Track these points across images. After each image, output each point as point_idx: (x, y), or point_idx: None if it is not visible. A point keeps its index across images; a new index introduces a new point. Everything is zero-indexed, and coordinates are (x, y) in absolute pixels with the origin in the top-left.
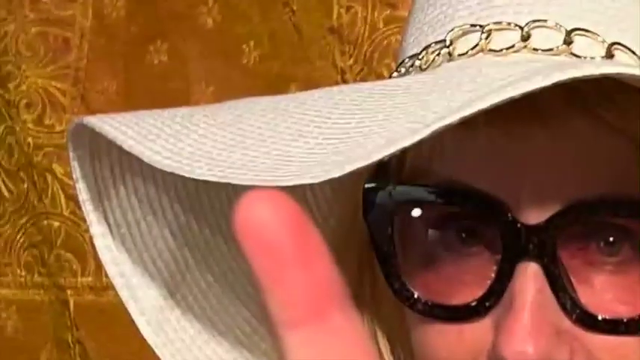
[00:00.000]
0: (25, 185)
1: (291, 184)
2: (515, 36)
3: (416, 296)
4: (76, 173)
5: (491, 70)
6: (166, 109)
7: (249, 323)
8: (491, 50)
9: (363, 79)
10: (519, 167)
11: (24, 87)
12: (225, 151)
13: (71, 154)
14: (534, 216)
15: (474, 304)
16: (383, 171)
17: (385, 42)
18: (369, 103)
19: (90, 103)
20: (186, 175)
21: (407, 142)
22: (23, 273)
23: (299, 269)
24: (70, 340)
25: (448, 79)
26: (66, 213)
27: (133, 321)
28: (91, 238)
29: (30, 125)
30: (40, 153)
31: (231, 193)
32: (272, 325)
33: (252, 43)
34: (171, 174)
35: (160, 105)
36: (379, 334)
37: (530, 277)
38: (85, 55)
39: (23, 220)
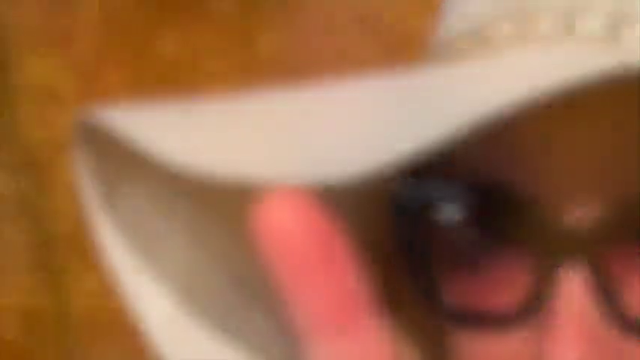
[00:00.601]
0: (27, 183)
1: (313, 182)
2: (556, 24)
3: (449, 303)
4: (81, 170)
5: (528, 62)
6: (177, 103)
7: (265, 329)
8: (529, 39)
9: (389, 71)
10: (562, 165)
11: (25, 80)
12: (242, 147)
13: (76, 150)
14: (580, 216)
15: (515, 311)
16: (410, 168)
17: (413, 30)
18: (396, 96)
19: (95, 97)
20: (201, 173)
21: (436, 140)
22: (24, 276)
23: (323, 278)
24: (72, 346)
25: (481, 71)
26: (69, 212)
27: (139, 327)
28: (96, 239)
29: (32, 120)
30: (43, 149)
31: (246, 190)
32: (295, 333)
33: (268, 33)
34: (183, 171)
35: (170, 98)
36: (408, 339)
37: (576, 281)
38: (90, 46)
39: (24, 220)
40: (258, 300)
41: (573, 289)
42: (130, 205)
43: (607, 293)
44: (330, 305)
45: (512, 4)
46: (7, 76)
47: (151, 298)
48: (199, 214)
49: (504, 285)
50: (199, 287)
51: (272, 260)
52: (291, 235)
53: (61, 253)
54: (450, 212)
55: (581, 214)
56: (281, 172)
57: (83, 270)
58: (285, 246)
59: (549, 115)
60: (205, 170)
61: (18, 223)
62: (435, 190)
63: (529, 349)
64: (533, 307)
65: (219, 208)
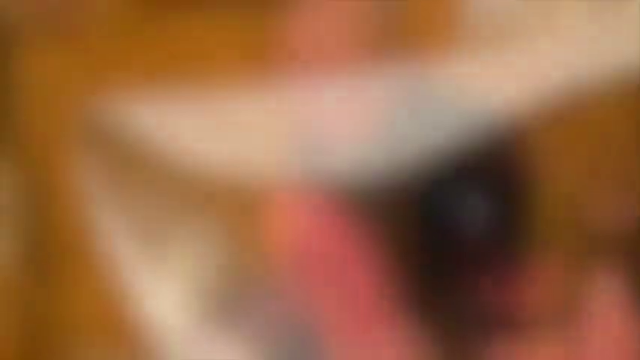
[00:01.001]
0: (28, 182)
1: (322, 182)
2: (584, 14)
3: (482, 305)
4: (86, 168)
5: (550, 56)
6: (185, 102)
7: (260, 326)
8: (556, 29)
9: (399, 64)
10: (595, 165)
11: (29, 78)
12: (251, 147)
13: (83, 148)
14: (614, 217)
15: (548, 312)
16: (442, 170)
17: (422, 25)
18: (409, 96)
19: (105, 90)
20: (206, 172)
21: (454, 140)
22: (24, 275)
23: (342, 279)
24: (72, 347)
25: (504, 68)
26: (74, 214)
27: (139, 327)
28: (101, 240)
29: (37, 116)
30: (48, 147)
31: (250, 192)
32: (322, 334)
33: (274, 27)
34: (194, 171)
35: (182, 88)
36: (431, 340)
37: (611, 281)
38: (96, 42)
39: (24, 219)
40: (256, 299)
41: (608, 290)
42: (140, 204)
43: None
44: (350, 305)
45: None
46: (10, 74)
47: (160, 304)
48: (214, 214)
49: (538, 286)
50: (202, 286)
51: (290, 262)
52: (310, 237)
53: (64, 256)
54: (480, 214)
55: (615, 214)
56: (293, 174)
57: (87, 273)
58: (304, 248)
59: (575, 117)
60: (212, 169)
61: (18, 223)
62: (463, 191)
63: (563, 349)
64: (568, 308)
65: (223, 209)
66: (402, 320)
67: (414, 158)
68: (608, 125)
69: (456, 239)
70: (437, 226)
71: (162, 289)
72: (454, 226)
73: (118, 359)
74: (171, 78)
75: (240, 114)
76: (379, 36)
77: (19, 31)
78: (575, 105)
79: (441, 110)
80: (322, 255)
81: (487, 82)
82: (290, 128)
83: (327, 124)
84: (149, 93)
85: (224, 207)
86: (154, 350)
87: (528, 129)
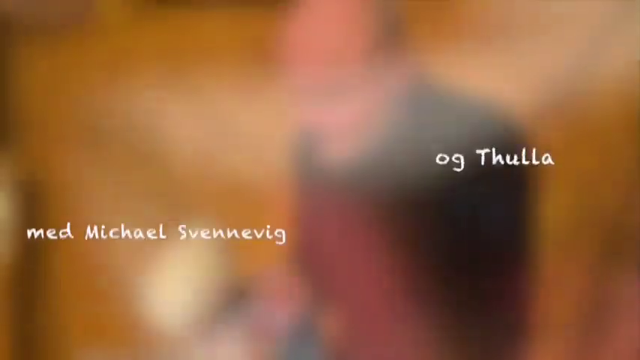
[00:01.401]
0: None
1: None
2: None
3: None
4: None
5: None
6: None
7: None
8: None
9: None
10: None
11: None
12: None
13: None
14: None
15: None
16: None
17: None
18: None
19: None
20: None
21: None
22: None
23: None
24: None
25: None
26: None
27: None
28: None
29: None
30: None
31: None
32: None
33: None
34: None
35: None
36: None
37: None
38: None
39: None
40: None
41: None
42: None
43: None
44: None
45: None
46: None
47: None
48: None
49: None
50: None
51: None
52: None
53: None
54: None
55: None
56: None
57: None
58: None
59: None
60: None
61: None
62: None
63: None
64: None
65: (223, 209)
66: (410, 318)
67: (415, 158)
68: (612, 125)
69: (461, 239)
70: (441, 226)
71: (163, 289)
72: (459, 227)
73: (118, 359)
74: (172, 78)
75: (241, 114)
76: (381, 37)
77: (18, 31)
78: (578, 105)
79: (443, 110)
80: (323, 254)
81: (489, 83)
82: (291, 128)
83: (328, 123)
84: (149, 92)
85: (224, 207)
86: (155, 350)
87: (532, 129)
